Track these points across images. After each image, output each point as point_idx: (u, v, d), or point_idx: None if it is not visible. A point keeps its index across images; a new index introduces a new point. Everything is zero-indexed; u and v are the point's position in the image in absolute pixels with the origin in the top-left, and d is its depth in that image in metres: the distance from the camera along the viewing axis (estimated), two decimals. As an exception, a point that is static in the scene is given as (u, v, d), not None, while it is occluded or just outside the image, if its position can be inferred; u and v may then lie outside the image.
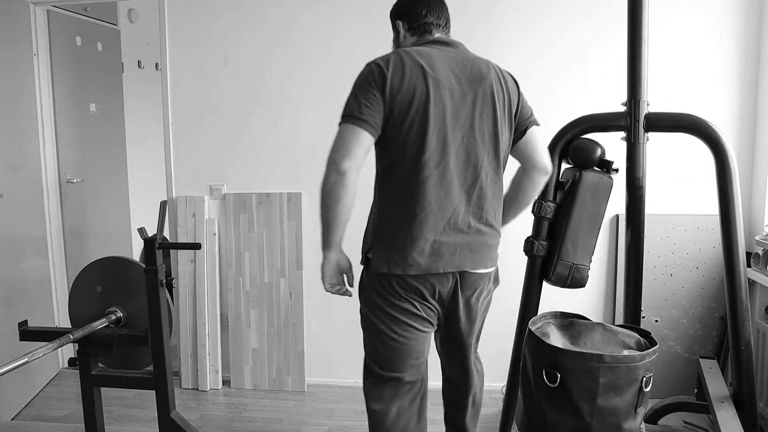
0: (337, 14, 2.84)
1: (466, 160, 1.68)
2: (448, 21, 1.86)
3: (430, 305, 1.75)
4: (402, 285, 1.70)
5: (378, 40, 2.67)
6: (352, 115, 1.61)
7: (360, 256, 1.79)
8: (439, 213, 1.66)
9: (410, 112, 1.62)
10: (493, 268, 1.82)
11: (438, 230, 1.67)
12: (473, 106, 1.69)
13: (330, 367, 3.06)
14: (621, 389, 1.48)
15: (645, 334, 1.64)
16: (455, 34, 2.90)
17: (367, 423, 2.44)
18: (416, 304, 1.73)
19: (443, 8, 1.85)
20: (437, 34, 1.81)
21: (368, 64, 1.67)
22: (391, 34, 1.91)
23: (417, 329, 1.77)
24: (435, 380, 3.00)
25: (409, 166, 1.65)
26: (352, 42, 2.81)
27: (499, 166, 1.75)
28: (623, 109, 1.89)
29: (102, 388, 2.18)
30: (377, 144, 1.68)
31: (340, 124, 1.64)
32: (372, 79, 1.62)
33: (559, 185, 1.94)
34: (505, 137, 1.74)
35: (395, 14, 1.87)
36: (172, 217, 3.05)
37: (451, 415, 2.09)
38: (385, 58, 1.66)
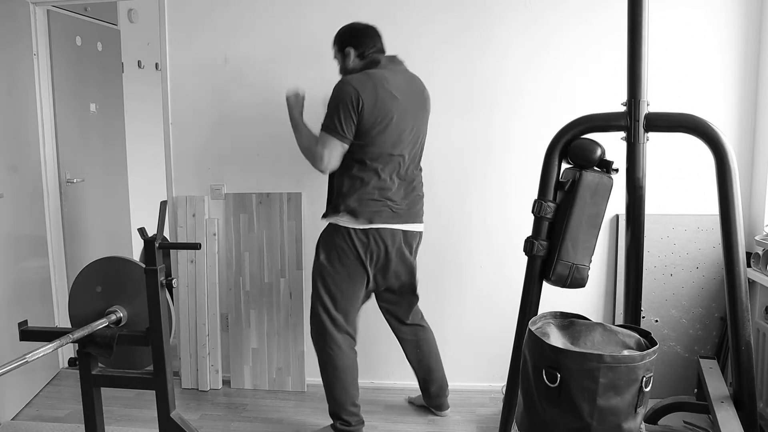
0: (338, 13, 2.83)
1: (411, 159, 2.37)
2: (383, 49, 2.42)
3: None
4: None
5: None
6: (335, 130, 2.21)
7: None
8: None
9: (379, 124, 2.22)
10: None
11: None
12: (417, 115, 2.34)
13: (330, 367, 3.05)
14: (621, 389, 1.48)
15: (645, 334, 1.64)
16: (453, 33, 2.92)
17: (367, 423, 2.46)
18: None
19: (380, 38, 2.41)
20: (383, 56, 2.35)
21: (346, 85, 2.21)
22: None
23: None
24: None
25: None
26: (352, 42, 2.81)
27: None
28: (623, 109, 1.89)
29: (102, 388, 2.17)
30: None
31: (322, 131, 2.23)
32: (350, 101, 2.18)
33: (559, 185, 1.94)
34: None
35: (345, 42, 2.36)
36: (172, 217, 3.05)
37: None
38: (360, 82, 2.21)
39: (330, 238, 2.35)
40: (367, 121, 2.20)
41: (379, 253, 2.34)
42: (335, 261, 2.34)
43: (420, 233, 2.47)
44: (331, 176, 2.38)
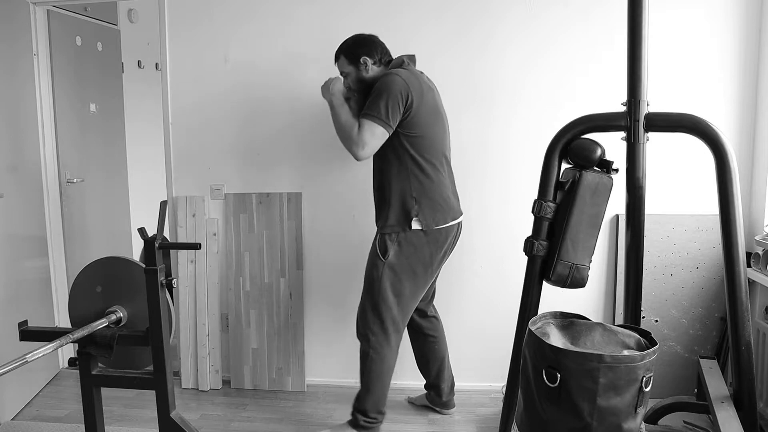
0: (338, 13, 2.84)
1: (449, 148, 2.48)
2: None
3: None
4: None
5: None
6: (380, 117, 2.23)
7: None
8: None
9: (430, 116, 2.32)
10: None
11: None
12: (444, 110, 2.45)
13: (330, 367, 3.06)
14: (621, 389, 1.48)
15: (645, 334, 1.64)
16: (451, 32, 2.92)
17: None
18: None
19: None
20: (405, 56, 2.40)
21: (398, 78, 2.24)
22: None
23: None
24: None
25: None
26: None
27: None
28: (623, 109, 1.89)
29: (102, 388, 2.17)
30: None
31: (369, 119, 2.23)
32: (398, 92, 2.21)
33: (559, 185, 1.94)
34: None
35: (357, 53, 2.38)
36: (172, 217, 3.05)
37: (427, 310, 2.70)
38: (406, 76, 2.26)
39: (401, 240, 2.33)
40: (419, 114, 2.25)
41: (448, 249, 2.42)
42: (407, 262, 2.34)
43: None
44: (383, 180, 2.36)
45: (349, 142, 2.25)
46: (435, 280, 2.61)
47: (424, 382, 2.76)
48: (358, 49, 2.39)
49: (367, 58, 2.37)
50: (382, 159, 2.35)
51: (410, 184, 2.31)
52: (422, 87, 2.29)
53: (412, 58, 2.44)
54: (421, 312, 2.63)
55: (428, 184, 2.32)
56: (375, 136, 2.21)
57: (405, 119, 2.24)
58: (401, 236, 2.33)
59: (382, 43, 2.44)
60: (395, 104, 2.20)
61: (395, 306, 2.37)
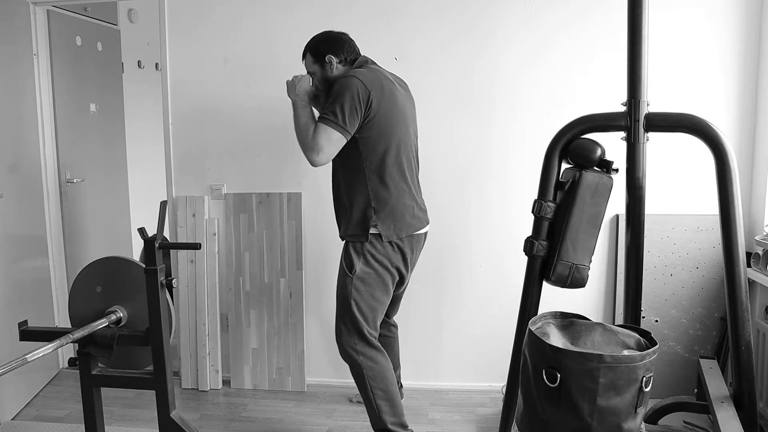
0: (338, 12, 2.84)
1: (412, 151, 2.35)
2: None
3: None
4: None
5: (373, 35, 2.67)
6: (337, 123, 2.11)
7: None
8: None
9: (392, 120, 2.21)
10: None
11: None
12: (412, 111, 2.38)
13: (330, 367, 3.06)
14: (621, 389, 1.48)
15: (645, 334, 1.64)
16: (451, 32, 2.92)
17: (367, 423, 2.45)
18: None
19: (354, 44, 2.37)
20: (368, 57, 2.33)
21: (356, 80, 2.12)
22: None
23: None
24: (430, 380, 3.00)
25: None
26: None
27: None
28: (623, 109, 1.89)
29: (102, 388, 2.18)
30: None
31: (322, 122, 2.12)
32: (357, 95, 2.10)
33: (559, 185, 1.94)
34: None
35: (322, 50, 2.28)
36: (172, 217, 3.05)
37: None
38: (367, 77, 2.16)
39: (366, 252, 2.24)
40: (380, 116, 2.14)
41: (412, 259, 2.35)
42: (375, 274, 2.25)
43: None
44: (342, 188, 2.29)
45: (305, 146, 2.13)
46: (402, 292, 2.55)
47: None
48: (323, 46, 2.28)
49: (333, 57, 2.26)
50: (340, 166, 2.26)
51: (368, 193, 2.21)
52: (384, 86, 2.18)
53: (372, 61, 2.34)
54: (386, 316, 2.57)
55: (387, 194, 2.21)
56: (331, 141, 2.09)
57: (365, 123, 2.13)
58: (366, 248, 2.23)
59: (351, 42, 2.32)
60: (353, 108, 2.08)
61: (369, 317, 2.28)
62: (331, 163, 2.24)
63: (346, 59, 2.29)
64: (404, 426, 2.33)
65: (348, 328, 2.27)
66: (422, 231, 2.35)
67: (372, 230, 2.22)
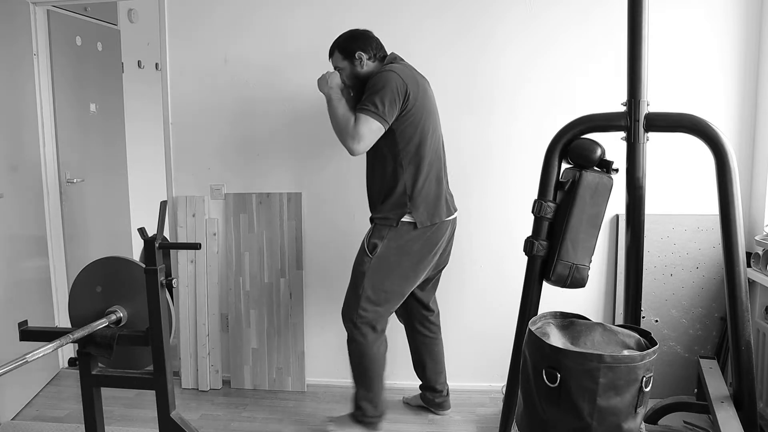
0: (338, 12, 2.84)
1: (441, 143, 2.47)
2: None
3: None
4: None
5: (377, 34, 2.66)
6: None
7: None
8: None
9: (426, 112, 2.33)
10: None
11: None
12: (435, 104, 2.46)
13: (330, 367, 3.06)
14: (621, 389, 1.48)
15: (645, 334, 1.64)
16: (451, 32, 2.92)
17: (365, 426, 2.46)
18: None
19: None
20: (393, 55, 2.40)
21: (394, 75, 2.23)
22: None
23: None
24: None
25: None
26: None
27: None
28: (623, 109, 1.89)
29: (102, 388, 2.17)
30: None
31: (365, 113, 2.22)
32: (395, 88, 2.21)
33: (559, 185, 1.94)
34: None
35: (352, 48, 2.36)
36: (172, 217, 3.05)
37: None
38: (403, 72, 2.27)
39: (390, 236, 2.33)
40: (416, 109, 2.26)
41: (442, 247, 2.43)
42: (394, 259, 2.34)
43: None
44: (376, 176, 2.38)
45: (345, 135, 2.23)
46: (437, 277, 2.63)
47: (420, 383, 2.76)
48: (352, 44, 2.36)
49: (362, 53, 2.35)
50: (375, 155, 2.35)
51: (403, 181, 2.31)
52: (418, 81, 2.31)
53: (403, 59, 2.43)
54: (423, 308, 2.64)
55: (421, 182, 2.32)
56: (371, 131, 2.20)
57: (402, 115, 2.25)
58: (391, 232, 2.34)
59: (377, 39, 2.42)
60: (392, 100, 2.20)
61: (380, 300, 2.37)
62: (360, 157, 2.35)
63: (375, 56, 2.38)
64: (375, 406, 2.46)
65: (355, 306, 2.38)
66: (452, 217, 2.46)
67: (405, 218, 2.32)
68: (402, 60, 2.40)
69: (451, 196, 2.50)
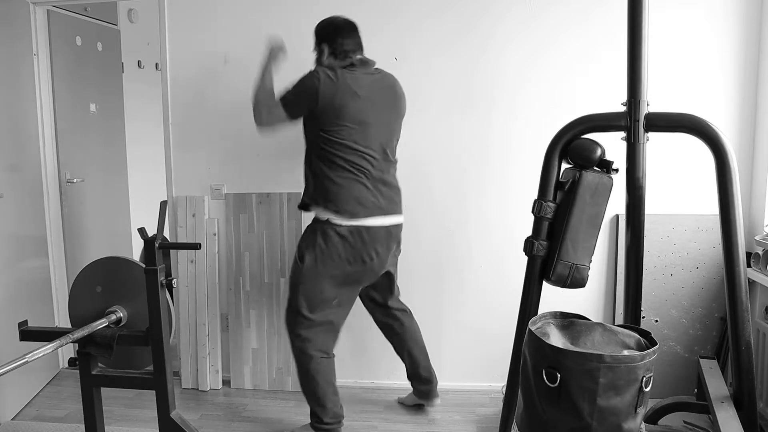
0: (339, 12, 2.83)
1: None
2: (360, 44, 2.39)
3: None
4: None
5: (374, 35, 2.66)
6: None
7: None
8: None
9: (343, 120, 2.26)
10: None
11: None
12: (384, 111, 2.35)
13: (330, 367, 3.05)
14: (621, 389, 1.48)
15: (645, 334, 1.64)
16: (451, 32, 2.92)
17: (368, 422, 2.45)
18: None
19: (356, 34, 2.38)
20: (356, 56, 2.34)
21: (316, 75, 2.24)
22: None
23: None
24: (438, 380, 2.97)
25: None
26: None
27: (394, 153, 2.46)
28: (623, 109, 1.89)
29: (102, 388, 2.17)
30: None
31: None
32: (307, 90, 2.25)
33: (559, 185, 1.94)
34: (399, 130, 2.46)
35: (321, 38, 2.36)
36: (172, 217, 3.05)
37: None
38: (324, 79, 2.24)
39: (318, 246, 2.31)
40: (327, 116, 2.25)
41: (378, 253, 2.33)
42: (323, 269, 2.32)
43: (401, 225, 2.46)
44: (307, 169, 2.39)
45: (256, 111, 2.34)
46: (392, 278, 2.57)
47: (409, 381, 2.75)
48: (321, 32, 2.38)
49: (326, 47, 2.35)
50: (308, 148, 2.38)
51: (323, 180, 2.31)
52: (341, 91, 2.23)
53: (364, 62, 2.36)
54: (383, 309, 2.62)
55: (338, 185, 2.28)
56: (274, 116, 2.31)
57: (318, 118, 2.26)
58: (318, 241, 2.30)
59: (354, 32, 2.37)
60: (300, 100, 2.26)
61: (317, 307, 2.36)
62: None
63: (335, 52, 2.34)
64: (329, 412, 2.40)
65: (293, 314, 2.40)
66: (378, 224, 2.32)
67: (322, 211, 2.32)
68: (366, 67, 2.34)
69: (391, 200, 2.38)
